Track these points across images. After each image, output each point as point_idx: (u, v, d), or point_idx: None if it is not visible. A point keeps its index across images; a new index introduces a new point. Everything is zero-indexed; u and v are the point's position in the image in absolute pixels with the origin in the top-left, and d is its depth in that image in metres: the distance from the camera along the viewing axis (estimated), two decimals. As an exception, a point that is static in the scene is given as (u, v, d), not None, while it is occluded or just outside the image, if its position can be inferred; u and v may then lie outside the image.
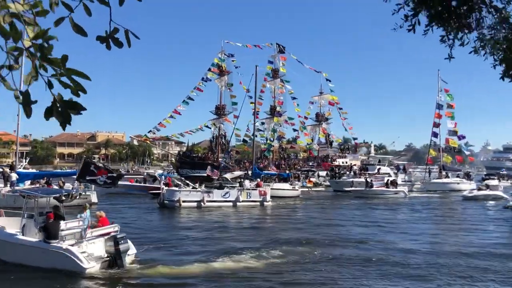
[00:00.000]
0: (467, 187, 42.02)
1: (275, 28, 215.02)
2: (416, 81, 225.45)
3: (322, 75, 64.55)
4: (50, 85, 1.90)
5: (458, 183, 45.13)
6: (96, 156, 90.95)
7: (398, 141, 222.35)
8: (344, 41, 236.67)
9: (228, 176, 35.69)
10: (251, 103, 42.90)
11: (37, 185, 22.36)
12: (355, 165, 53.15)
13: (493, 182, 42.94)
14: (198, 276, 10.71)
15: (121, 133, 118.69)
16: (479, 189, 36.51)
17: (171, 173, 49.10)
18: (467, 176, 48.23)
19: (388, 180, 38.23)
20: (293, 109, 63.32)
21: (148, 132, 55.01)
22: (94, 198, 25.23)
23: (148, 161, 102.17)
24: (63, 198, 13.31)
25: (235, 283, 10.25)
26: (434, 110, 49.59)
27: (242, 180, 32.79)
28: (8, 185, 21.96)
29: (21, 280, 10.30)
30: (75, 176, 16.84)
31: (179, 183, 28.59)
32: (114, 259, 10.98)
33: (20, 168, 25.13)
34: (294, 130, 63.94)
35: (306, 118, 64.84)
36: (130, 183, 35.90)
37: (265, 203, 28.36)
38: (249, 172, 39.32)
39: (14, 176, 21.57)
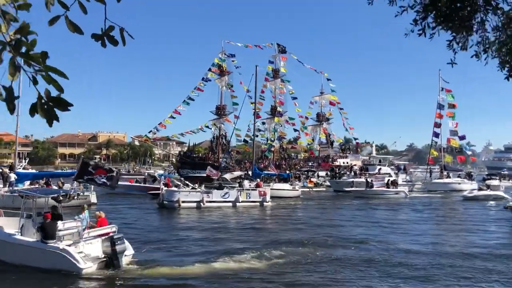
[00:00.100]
0: (469, 187, 41.88)
1: (275, 28, 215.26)
2: (418, 81, 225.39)
3: (322, 75, 64.61)
4: (35, 81, 1.86)
5: (459, 183, 45.00)
6: (97, 156, 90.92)
7: (399, 141, 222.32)
8: (345, 41, 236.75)
9: (227, 176, 35.67)
10: (252, 103, 42.92)
11: (36, 186, 22.37)
12: (355, 165, 53.07)
13: (494, 182, 42.82)
14: (197, 277, 10.65)
15: (122, 133, 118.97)
16: (480, 189, 36.40)
17: (172, 174, 49.13)
18: (469, 176, 48.12)
19: (388, 180, 38.14)
20: (293, 109, 63.42)
21: (149, 132, 55.15)
22: (93, 199, 25.21)
23: (149, 161, 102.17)
24: (61, 198, 13.29)
25: (236, 284, 10.18)
26: (435, 110, 49.55)
27: (241, 180, 32.76)
28: (7, 186, 21.98)
29: (17, 280, 10.28)
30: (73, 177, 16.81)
31: (179, 183, 28.56)
32: (111, 259, 10.97)
33: (19, 168, 25.14)
34: (295, 130, 64.00)
35: (306, 118, 64.94)
36: (129, 184, 35.88)
37: (264, 203, 28.29)
38: (250, 172, 39.29)
39: (12, 177, 21.58)
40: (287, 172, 45.49)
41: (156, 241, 15.22)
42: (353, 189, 38.08)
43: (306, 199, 34.71)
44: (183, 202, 25.56)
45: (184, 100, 55.21)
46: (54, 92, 1.91)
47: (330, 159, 60.81)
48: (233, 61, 57.48)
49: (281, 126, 60.02)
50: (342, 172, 46.83)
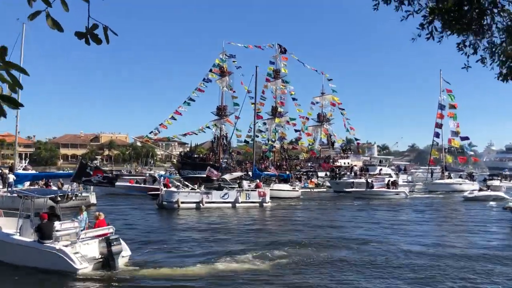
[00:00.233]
0: (470, 187, 41.73)
1: (276, 29, 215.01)
2: (419, 81, 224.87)
3: (323, 75, 64.59)
4: None
5: (460, 184, 44.87)
6: (99, 157, 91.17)
7: (401, 142, 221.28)
8: (346, 42, 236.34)
9: (227, 177, 35.71)
10: (252, 104, 42.97)
11: (36, 186, 22.50)
12: (355, 165, 53.03)
13: (495, 182, 42.68)
14: (195, 278, 10.63)
15: (124, 134, 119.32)
16: (480, 190, 36.31)
17: (173, 174, 49.24)
18: (470, 176, 48.01)
19: (389, 181, 38.10)
20: (294, 110, 63.39)
21: (150, 133, 55.28)
22: (93, 199, 25.30)
23: (151, 162, 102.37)
24: (59, 199, 13.40)
25: (236, 285, 10.17)
26: (436, 110, 49.44)
27: (240, 181, 32.79)
28: (6, 186, 22.12)
29: (14, 280, 10.38)
30: None
31: (178, 184, 28.62)
32: (107, 260, 11.04)
33: (19, 169, 25.26)
34: (296, 130, 64.00)
35: (307, 118, 64.92)
36: (129, 184, 35.96)
37: (264, 204, 28.30)
38: (250, 173, 39.32)
39: (11, 178, 21.72)
40: (287, 172, 45.47)
41: (155, 242, 15.21)
42: (353, 189, 38.06)
43: (306, 200, 34.71)
44: (182, 202, 25.61)
45: (185, 101, 55.38)
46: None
47: (331, 160, 60.78)
48: (233, 61, 57.62)
49: (282, 126, 60.04)
50: (342, 172, 46.81)
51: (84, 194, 24.49)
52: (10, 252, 11.38)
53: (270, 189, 31.77)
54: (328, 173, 50.76)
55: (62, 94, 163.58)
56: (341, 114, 64.63)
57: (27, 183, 23.01)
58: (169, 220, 22.20)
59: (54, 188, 22.53)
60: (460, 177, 47.74)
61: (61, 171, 52.15)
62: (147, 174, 54.01)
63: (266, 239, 16.10)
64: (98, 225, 12.23)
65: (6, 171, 24.45)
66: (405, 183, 42.90)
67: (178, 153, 65.75)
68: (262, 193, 28.87)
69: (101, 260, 11.09)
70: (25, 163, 31.79)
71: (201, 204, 26.13)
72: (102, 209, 21.75)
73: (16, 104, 1.93)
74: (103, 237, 11.32)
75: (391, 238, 16.71)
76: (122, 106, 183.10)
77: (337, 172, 46.74)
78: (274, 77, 59.21)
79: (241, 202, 27.58)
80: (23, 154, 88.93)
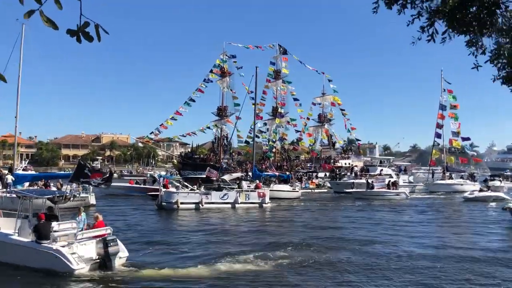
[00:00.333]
0: (471, 188, 41.62)
1: (277, 30, 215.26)
2: (420, 82, 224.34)
3: (324, 76, 64.52)
4: None
5: (461, 185, 44.74)
6: (100, 158, 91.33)
7: (403, 142, 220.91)
8: (346, 42, 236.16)
9: (226, 177, 35.72)
10: (253, 104, 42.95)
11: (35, 187, 22.56)
12: (356, 166, 52.97)
13: (496, 183, 42.57)
14: (192, 279, 10.58)
15: (125, 134, 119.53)
16: (481, 190, 36.22)
17: (174, 175, 49.29)
18: (471, 177, 47.89)
19: (389, 181, 38.05)
20: (295, 110, 63.33)
21: (150, 133, 55.36)
22: (92, 200, 25.34)
23: (153, 162, 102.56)
24: (57, 199, 13.40)
25: (238, 286, 10.15)
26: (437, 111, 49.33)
27: (239, 181, 32.79)
28: (4, 187, 22.18)
29: (10, 280, 10.41)
30: None
31: (178, 184, 28.64)
32: (104, 261, 11.06)
33: (19, 169, 25.33)
34: (297, 131, 63.94)
35: (308, 119, 64.86)
36: (129, 185, 36.00)
37: (264, 204, 28.28)
38: (250, 174, 39.30)
39: (9, 178, 21.79)
40: (287, 173, 45.45)
41: (153, 242, 15.17)
42: (353, 190, 38.02)
43: (306, 200, 34.68)
44: (182, 203, 25.61)
45: (186, 101, 55.43)
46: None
47: (332, 160, 60.72)
48: (234, 62, 57.63)
49: (283, 127, 60.01)
50: (342, 173, 46.76)
51: (83, 195, 24.54)
52: (7, 252, 11.43)
53: (270, 190, 31.77)
54: (328, 174, 50.71)
55: (63, 94, 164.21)
56: (342, 114, 64.56)
57: (26, 184, 23.09)
58: (168, 221, 22.21)
59: (54, 188, 22.56)
60: (462, 177, 47.61)
61: (62, 172, 52.33)
62: (148, 175, 54.10)
63: (266, 240, 16.05)
64: (97, 226, 12.24)
65: (5, 171, 24.51)
66: (406, 184, 42.85)
67: (179, 153, 65.79)
68: (261, 193, 28.86)
69: (98, 261, 11.10)
70: (25, 163, 31.81)
71: (200, 205, 26.13)
72: (102, 209, 21.79)
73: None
74: (101, 238, 11.34)
75: (393, 239, 16.66)
76: (124, 107, 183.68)
77: (337, 172, 46.68)
78: (274, 78, 59.19)
79: (241, 203, 27.57)
80: (25, 155, 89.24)
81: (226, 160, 54.22)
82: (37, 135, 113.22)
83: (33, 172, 30.34)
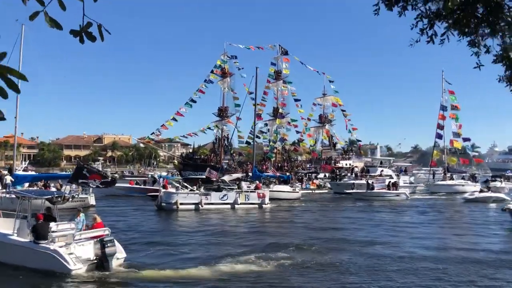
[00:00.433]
0: (472, 189, 41.55)
1: (277, 30, 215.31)
2: (422, 82, 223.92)
3: (325, 76, 64.50)
4: None
5: (462, 185, 44.64)
6: (101, 158, 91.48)
7: (404, 143, 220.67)
8: (347, 43, 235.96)
9: (226, 178, 35.77)
10: (254, 105, 42.97)
11: (35, 188, 22.65)
12: (356, 167, 52.92)
13: (497, 184, 42.48)
14: (193, 280, 10.57)
15: (127, 135, 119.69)
16: (481, 191, 36.18)
17: (175, 175, 49.38)
18: (473, 178, 47.78)
19: (389, 182, 38.03)
20: (296, 111, 63.26)
21: (151, 134, 55.42)
22: (92, 201, 25.41)
23: (154, 163, 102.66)
24: (55, 200, 13.47)
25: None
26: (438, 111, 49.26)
27: (239, 182, 32.83)
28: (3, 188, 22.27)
29: (3, 279, 10.48)
30: None
31: (177, 185, 28.70)
32: (101, 261, 11.12)
33: (19, 170, 25.43)
34: (297, 132, 63.86)
35: (309, 119, 64.80)
36: (129, 185, 36.06)
37: (263, 205, 28.32)
38: (250, 174, 39.33)
39: (8, 179, 21.88)
40: (287, 174, 45.47)
41: (153, 243, 15.19)
42: (353, 191, 38.00)
43: (306, 201, 34.68)
44: (181, 204, 25.66)
45: (187, 102, 55.48)
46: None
47: (333, 161, 60.69)
48: (235, 62, 57.64)
49: (283, 128, 60.00)
50: (343, 174, 46.73)
51: (82, 196, 24.60)
52: (6, 252, 11.50)
53: (270, 191, 31.78)
54: (327, 174, 50.70)
55: (65, 95, 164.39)
56: (343, 115, 64.50)
57: (26, 184, 23.18)
58: (168, 222, 22.25)
59: (53, 189, 22.65)
60: (463, 178, 47.52)
61: (63, 172, 52.49)
62: (149, 175, 54.22)
63: (266, 240, 16.02)
64: (95, 227, 12.30)
65: (5, 172, 24.62)
66: (407, 185, 42.80)
67: (180, 154, 65.90)
68: (261, 194, 28.89)
69: (95, 261, 11.16)
70: (25, 164, 31.95)
71: (200, 205, 26.18)
72: (102, 210, 21.90)
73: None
74: (98, 239, 11.41)
75: (394, 240, 16.66)
76: (125, 107, 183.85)
77: (338, 173, 46.65)
78: (275, 78, 59.17)
79: (240, 204, 27.61)
80: (27, 155, 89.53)
81: (227, 161, 54.27)
82: (39, 136, 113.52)
83: (33, 173, 30.44)
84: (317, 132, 65.94)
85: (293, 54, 61.52)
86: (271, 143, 58.40)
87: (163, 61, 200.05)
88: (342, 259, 12.81)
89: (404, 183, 42.66)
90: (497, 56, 3.70)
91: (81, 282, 10.30)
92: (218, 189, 28.84)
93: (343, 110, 64.33)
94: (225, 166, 50.87)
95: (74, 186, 20.72)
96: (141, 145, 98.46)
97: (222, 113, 56.45)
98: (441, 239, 17.33)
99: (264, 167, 49.95)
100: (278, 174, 42.37)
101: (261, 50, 59.87)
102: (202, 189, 28.75)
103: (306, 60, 65.14)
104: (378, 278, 10.93)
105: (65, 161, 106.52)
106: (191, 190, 27.86)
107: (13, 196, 18.16)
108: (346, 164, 58.43)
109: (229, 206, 27.27)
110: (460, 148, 49.60)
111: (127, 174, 78.73)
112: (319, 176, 51.33)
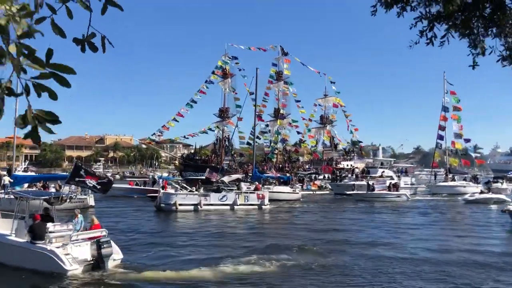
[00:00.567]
0: (474, 190, 41.34)
1: (278, 31, 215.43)
2: (424, 83, 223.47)
3: (326, 77, 64.49)
4: (27, 91, 1.76)
5: (464, 187, 44.41)
6: (102, 159, 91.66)
7: (406, 144, 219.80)
8: (348, 43, 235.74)
9: (225, 179, 35.75)
10: (254, 105, 42.98)
11: (34, 188, 22.70)
12: (357, 168, 52.81)
13: (499, 185, 42.31)
14: (192, 281, 10.51)
15: (129, 136, 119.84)
16: (481, 192, 36.03)
17: (176, 176, 49.38)
18: (474, 179, 47.55)
19: (390, 183, 37.91)
20: (297, 112, 63.32)
21: (152, 135, 55.54)
22: (91, 201, 25.41)
23: (156, 164, 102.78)
24: (53, 200, 13.48)
25: None
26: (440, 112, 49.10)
27: (238, 183, 32.79)
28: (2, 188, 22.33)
29: (8, 280, 10.50)
30: None
31: (176, 186, 28.68)
32: (97, 262, 11.12)
33: (19, 171, 25.48)
34: (298, 133, 63.88)
35: (310, 120, 64.79)
36: (129, 186, 36.06)
37: (263, 206, 28.24)
38: (250, 175, 39.30)
39: (6, 180, 21.91)
40: (287, 174, 45.43)
41: (151, 244, 15.16)
42: (354, 192, 37.87)
43: (307, 202, 34.60)
44: (180, 205, 25.59)
45: (188, 103, 55.58)
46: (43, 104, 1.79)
47: (334, 162, 60.60)
48: (236, 63, 57.77)
49: (284, 128, 60.00)
50: (343, 175, 46.62)
51: (81, 197, 24.60)
52: (3, 252, 11.52)
53: (270, 192, 31.72)
54: (327, 175, 50.60)
55: (66, 95, 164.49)
56: (345, 116, 64.45)
57: (25, 185, 23.22)
58: (167, 223, 22.21)
59: (52, 190, 22.69)
60: (465, 179, 47.32)
61: (64, 173, 52.57)
62: (150, 176, 54.28)
63: (266, 242, 15.95)
64: (93, 229, 12.31)
65: (4, 173, 24.68)
66: (408, 186, 42.65)
67: (180, 155, 65.99)
68: (261, 195, 28.83)
69: (92, 262, 11.16)
70: (25, 164, 32.02)
71: (199, 206, 26.13)
72: (101, 211, 21.90)
73: (55, 121, 1.83)
74: (94, 240, 11.41)
75: (396, 241, 16.57)
76: (127, 108, 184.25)
77: (338, 174, 46.54)
78: (276, 79, 59.22)
79: (240, 205, 27.54)
80: (29, 156, 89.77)
81: (228, 162, 54.28)
82: (41, 136, 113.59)
83: (33, 173, 30.49)
84: (318, 133, 65.89)
85: (293, 55, 61.70)
86: (272, 144, 58.42)
87: (164, 62, 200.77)
88: (345, 261, 12.73)
89: (405, 184, 42.49)
90: (504, 57, 3.67)
91: (77, 282, 10.29)
92: (218, 190, 28.81)
93: (344, 111, 64.36)
94: (226, 167, 50.86)
95: (73, 187, 20.81)
96: (143, 146, 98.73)
97: (223, 114, 56.54)
98: (443, 241, 17.21)
99: (265, 168, 49.94)
100: (278, 175, 42.30)
101: (262, 51, 60.07)
102: (201, 190, 28.73)
103: (306, 60, 65.33)
104: (381, 280, 10.85)
105: (67, 161, 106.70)
106: (190, 191, 27.85)
107: (12, 196, 18.22)
108: (347, 165, 58.30)
109: (228, 207, 27.21)
110: (461, 149, 49.40)
111: (128, 174, 78.86)
112: (320, 177, 51.25)
